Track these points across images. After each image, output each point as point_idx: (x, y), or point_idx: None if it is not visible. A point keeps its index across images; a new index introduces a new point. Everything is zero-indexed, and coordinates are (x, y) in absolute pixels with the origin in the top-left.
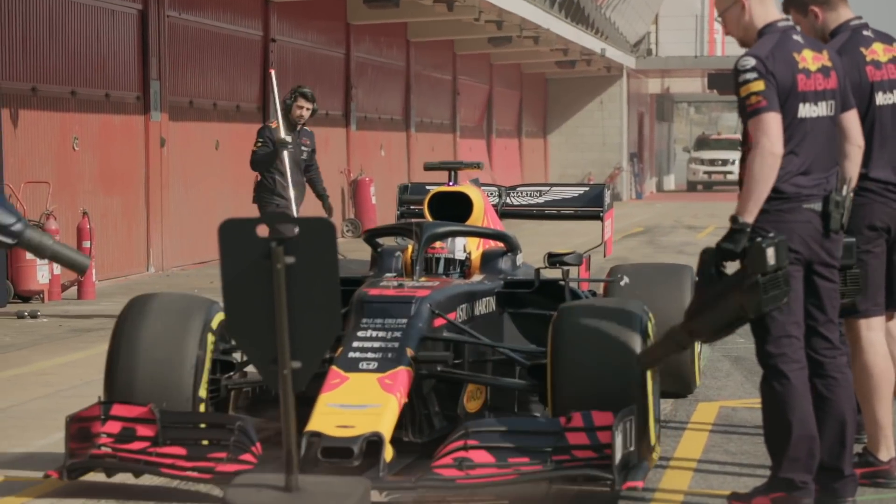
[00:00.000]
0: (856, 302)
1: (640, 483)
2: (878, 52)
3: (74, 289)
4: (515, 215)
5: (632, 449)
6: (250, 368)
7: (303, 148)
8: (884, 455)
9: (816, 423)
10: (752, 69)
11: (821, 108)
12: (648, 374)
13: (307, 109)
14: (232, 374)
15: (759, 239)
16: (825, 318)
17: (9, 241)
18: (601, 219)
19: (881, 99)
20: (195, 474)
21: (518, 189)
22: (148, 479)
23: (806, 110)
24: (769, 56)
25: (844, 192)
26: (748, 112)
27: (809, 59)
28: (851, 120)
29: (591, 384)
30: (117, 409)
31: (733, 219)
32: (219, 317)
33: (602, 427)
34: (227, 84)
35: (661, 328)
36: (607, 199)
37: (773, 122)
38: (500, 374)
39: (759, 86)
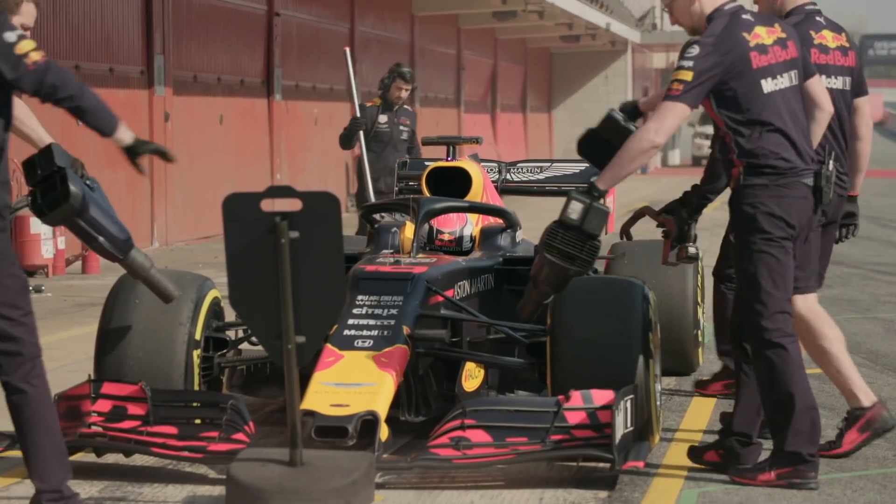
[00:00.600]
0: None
1: (641, 463)
2: (828, 38)
3: (79, 263)
4: (515, 191)
5: (632, 428)
6: (244, 346)
7: (402, 128)
8: (865, 401)
9: (738, 389)
10: (692, 58)
11: (785, 79)
12: (650, 353)
13: (405, 90)
14: (225, 351)
15: (578, 194)
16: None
17: (119, 255)
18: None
19: (824, 82)
20: (187, 454)
21: (518, 165)
22: (139, 459)
23: (770, 85)
24: (717, 41)
25: (832, 167)
26: (665, 93)
27: (764, 34)
28: (816, 84)
29: (590, 362)
30: (107, 388)
31: (595, 186)
32: (212, 294)
33: (602, 406)
34: (232, 58)
35: (663, 305)
36: None
37: (675, 115)
38: (499, 352)
39: (687, 76)
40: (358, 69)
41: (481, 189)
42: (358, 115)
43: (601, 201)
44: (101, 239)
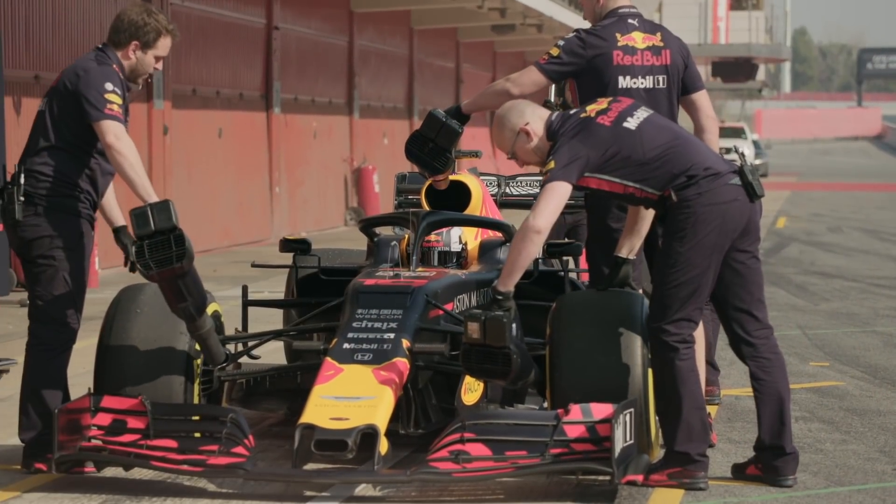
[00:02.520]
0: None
1: (640, 476)
2: (637, 39)
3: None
4: (515, 205)
5: (631, 442)
6: (244, 359)
7: None
8: None
9: (756, 405)
10: (554, 157)
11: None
12: (649, 365)
13: None
14: (225, 364)
15: (474, 311)
16: (753, 297)
17: (197, 318)
18: None
19: (627, 83)
20: (186, 467)
21: (518, 179)
22: (138, 473)
23: (633, 121)
24: (571, 138)
25: (748, 162)
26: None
27: (599, 105)
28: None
29: (589, 374)
30: (107, 401)
31: (496, 290)
32: (212, 307)
33: (601, 419)
34: (231, 72)
35: None
36: None
37: (551, 195)
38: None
39: (551, 164)
40: (357, 83)
41: (480, 203)
42: None
43: (508, 301)
44: (188, 300)
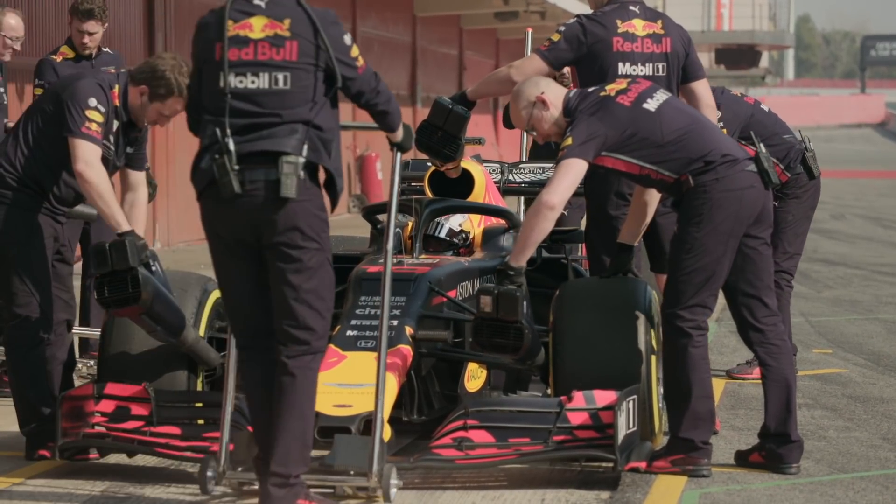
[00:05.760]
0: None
1: (643, 463)
2: (637, 26)
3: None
4: (518, 192)
5: (634, 429)
6: None
7: None
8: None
9: (763, 391)
10: (572, 134)
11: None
12: (652, 352)
13: None
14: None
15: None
16: (763, 284)
17: (173, 339)
18: None
19: (626, 69)
20: (190, 454)
21: (521, 166)
22: (142, 459)
23: (653, 103)
24: (588, 113)
25: (764, 149)
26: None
27: (619, 84)
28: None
29: (592, 360)
30: (111, 388)
31: (507, 265)
32: (214, 294)
33: (604, 406)
34: None
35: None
36: None
37: (565, 172)
38: None
39: (569, 141)
40: None
41: (483, 190)
42: None
43: (520, 277)
44: (157, 329)
